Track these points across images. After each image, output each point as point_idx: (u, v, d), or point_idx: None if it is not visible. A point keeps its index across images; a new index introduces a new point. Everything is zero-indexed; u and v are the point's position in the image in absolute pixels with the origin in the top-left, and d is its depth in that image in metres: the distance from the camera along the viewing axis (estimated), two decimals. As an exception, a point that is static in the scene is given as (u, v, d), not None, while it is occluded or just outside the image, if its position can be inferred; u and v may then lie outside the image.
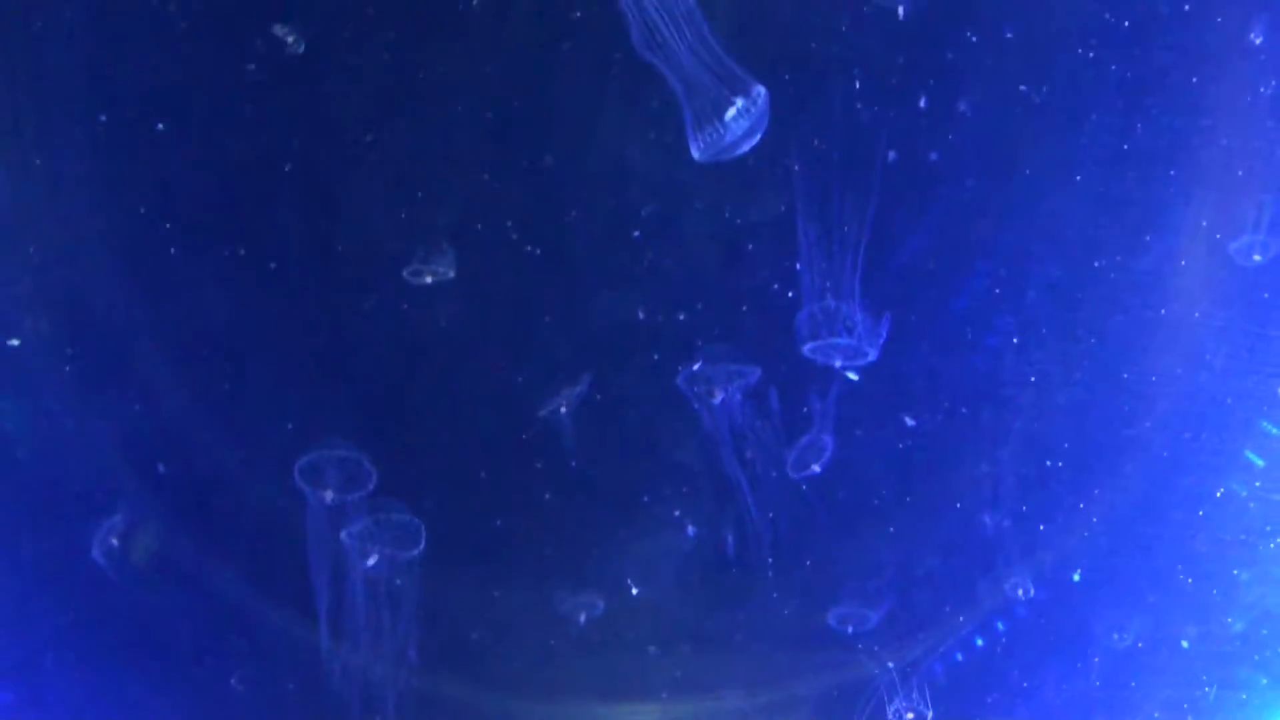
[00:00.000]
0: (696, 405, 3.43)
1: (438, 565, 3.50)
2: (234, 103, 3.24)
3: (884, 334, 3.31)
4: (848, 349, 3.32)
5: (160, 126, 3.25)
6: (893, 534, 3.70)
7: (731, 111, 2.90)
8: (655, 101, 3.29)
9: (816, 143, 3.26)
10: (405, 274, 3.35)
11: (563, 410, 3.45)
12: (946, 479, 3.64)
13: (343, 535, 3.42)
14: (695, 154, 2.99)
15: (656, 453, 3.58)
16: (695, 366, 3.40)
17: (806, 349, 3.33)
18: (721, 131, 2.94)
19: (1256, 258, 3.43)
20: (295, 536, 3.46)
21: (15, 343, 3.40)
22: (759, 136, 3.01)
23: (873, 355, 3.33)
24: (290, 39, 3.12)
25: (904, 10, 3.16)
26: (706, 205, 3.36)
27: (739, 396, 3.43)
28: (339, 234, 3.41)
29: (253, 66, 3.16)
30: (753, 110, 2.91)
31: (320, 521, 3.40)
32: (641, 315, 3.43)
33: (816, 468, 3.52)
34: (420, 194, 3.37)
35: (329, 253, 3.43)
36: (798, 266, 3.26)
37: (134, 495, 3.54)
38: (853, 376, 3.43)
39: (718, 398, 3.39)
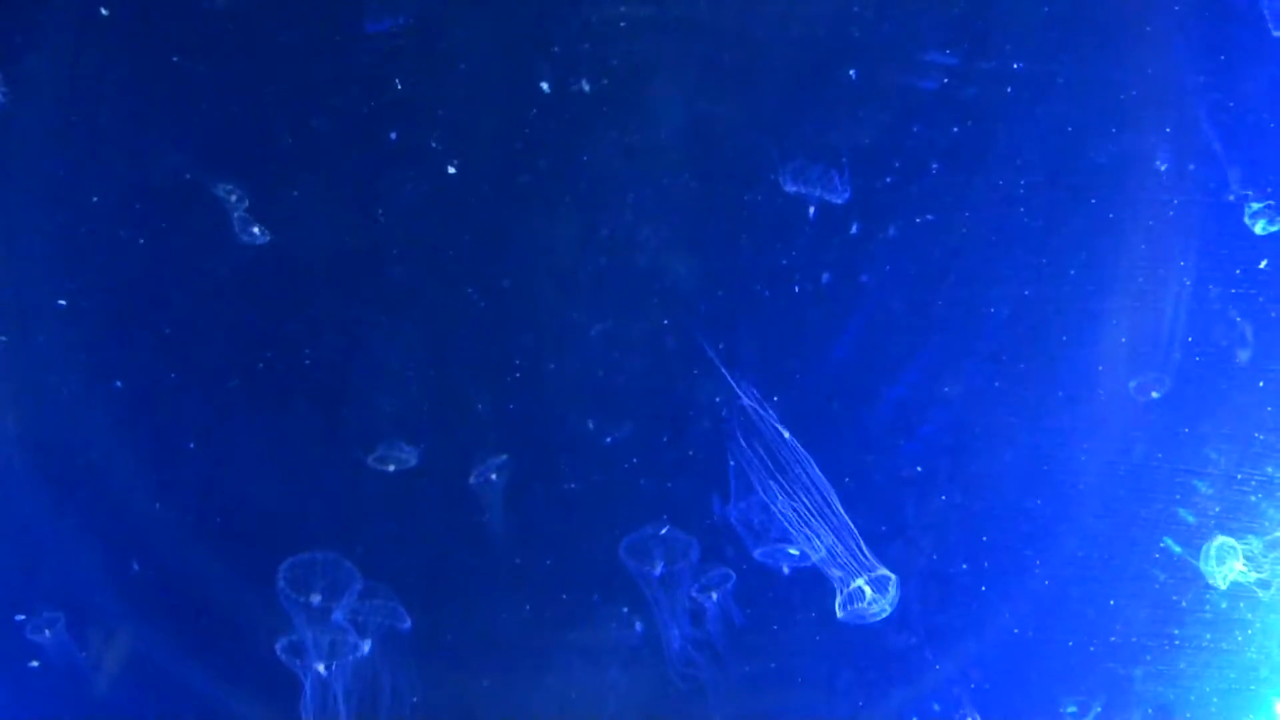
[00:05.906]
0: (638, 580, 3.62)
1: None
2: (206, 296, 3.57)
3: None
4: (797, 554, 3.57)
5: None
6: (823, 639, 3.86)
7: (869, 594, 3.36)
8: (605, 230, 3.58)
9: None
10: (370, 461, 3.58)
11: (492, 478, 3.61)
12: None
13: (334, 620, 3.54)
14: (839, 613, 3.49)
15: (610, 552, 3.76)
16: (645, 533, 3.61)
17: (756, 554, 3.59)
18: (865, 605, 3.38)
19: (1154, 394, 3.63)
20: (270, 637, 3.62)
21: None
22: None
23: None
24: (256, 230, 3.36)
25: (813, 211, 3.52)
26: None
27: (686, 574, 3.62)
28: (301, 416, 3.67)
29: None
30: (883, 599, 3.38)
31: (304, 623, 3.54)
32: (591, 426, 3.67)
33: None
34: (380, 389, 3.66)
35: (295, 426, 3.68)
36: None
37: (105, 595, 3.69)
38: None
39: (657, 570, 3.58)
